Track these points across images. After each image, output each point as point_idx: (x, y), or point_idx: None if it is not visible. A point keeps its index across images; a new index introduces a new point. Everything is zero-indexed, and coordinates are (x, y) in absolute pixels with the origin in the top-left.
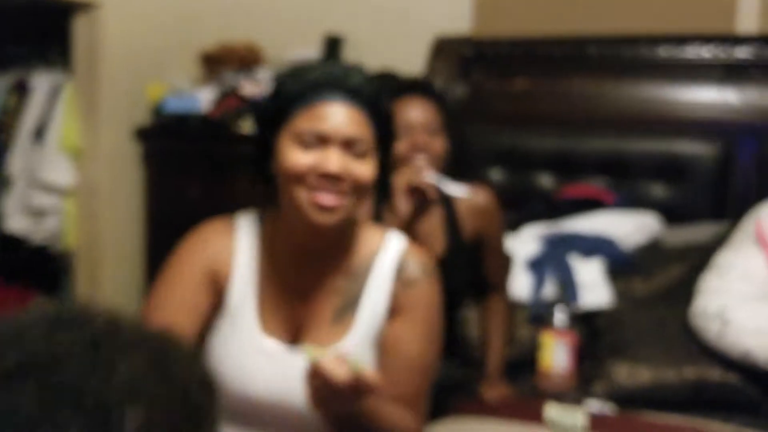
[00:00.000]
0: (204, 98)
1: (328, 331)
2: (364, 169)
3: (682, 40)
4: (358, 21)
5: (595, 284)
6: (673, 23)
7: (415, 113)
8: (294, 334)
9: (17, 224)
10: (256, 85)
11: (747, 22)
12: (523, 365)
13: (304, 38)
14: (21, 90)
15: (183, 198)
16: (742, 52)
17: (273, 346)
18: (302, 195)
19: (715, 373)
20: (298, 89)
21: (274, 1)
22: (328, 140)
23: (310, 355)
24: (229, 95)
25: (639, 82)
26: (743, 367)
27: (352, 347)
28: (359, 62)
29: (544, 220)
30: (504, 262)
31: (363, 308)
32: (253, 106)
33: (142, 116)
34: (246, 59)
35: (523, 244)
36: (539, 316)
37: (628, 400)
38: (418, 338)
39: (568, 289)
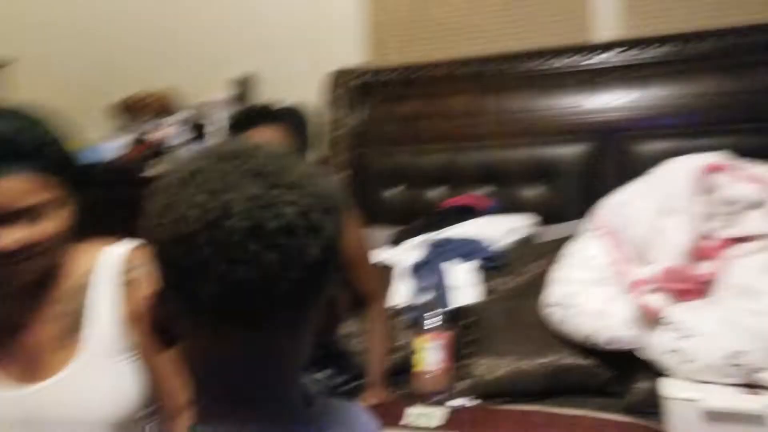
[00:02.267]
0: (114, 147)
1: (56, 359)
2: (47, 226)
3: (546, 53)
4: (267, 60)
5: (466, 284)
6: (537, 40)
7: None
8: (32, 370)
9: None
10: (167, 130)
11: (604, 31)
12: (405, 371)
13: (221, 81)
14: None
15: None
16: (601, 59)
17: (8, 393)
18: None
19: (567, 360)
20: None
21: (190, 46)
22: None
23: None
24: (140, 142)
25: (512, 95)
26: (591, 351)
27: (84, 365)
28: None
29: (429, 231)
30: (374, 274)
31: (89, 324)
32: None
33: None
34: (163, 106)
35: (407, 253)
36: (415, 320)
37: (491, 393)
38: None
39: (439, 291)
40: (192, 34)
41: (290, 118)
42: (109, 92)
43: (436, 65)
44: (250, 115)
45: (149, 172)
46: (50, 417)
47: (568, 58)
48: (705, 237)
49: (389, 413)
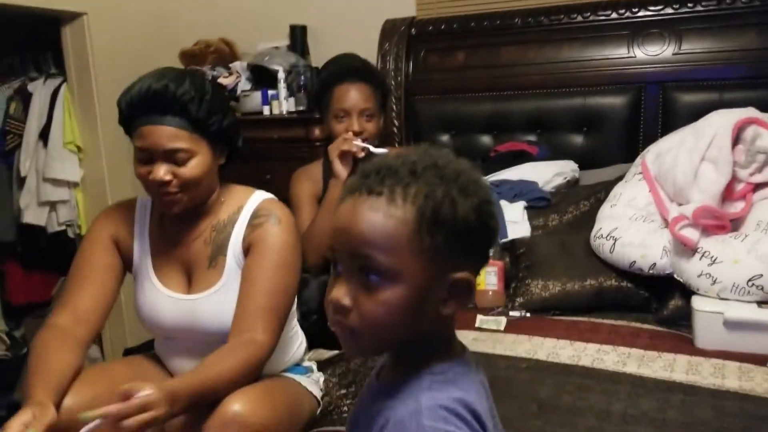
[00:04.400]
0: None
1: (207, 275)
2: (188, 170)
3: (591, 6)
4: (319, 12)
5: (518, 221)
6: None
7: (351, 100)
8: (186, 281)
9: (34, 217)
10: (233, 76)
11: None
12: None
13: (271, 31)
14: (23, 96)
15: None
16: (644, 13)
17: (172, 294)
18: (151, 195)
19: (611, 282)
20: (128, 115)
21: (243, 0)
22: (152, 155)
23: (83, 416)
24: None
25: (558, 46)
26: (632, 276)
27: (225, 286)
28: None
29: (485, 174)
30: None
31: (229, 252)
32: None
33: None
34: (222, 54)
35: None
36: None
37: (543, 308)
38: (263, 266)
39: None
40: None
41: (377, 80)
42: (171, 41)
43: (486, 17)
44: (341, 71)
45: None
46: (201, 324)
47: (612, 11)
48: (737, 181)
49: (463, 320)
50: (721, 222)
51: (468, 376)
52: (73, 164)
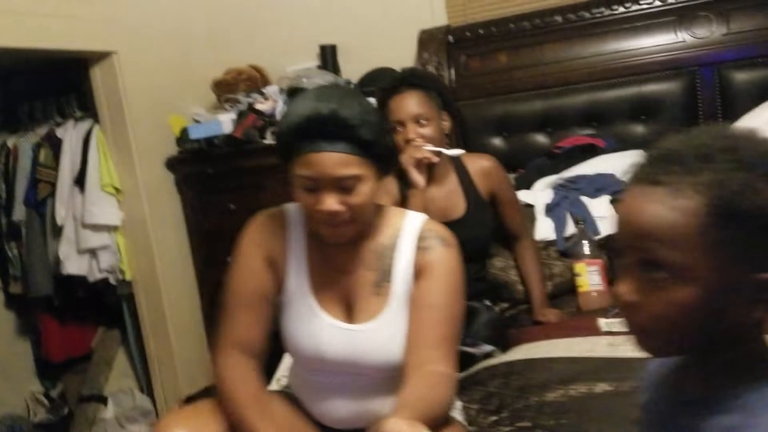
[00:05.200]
0: (224, 121)
1: (371, 302)
2: (357, 198)
3: None
4: (347, 30)
5: (607, 216)
6: None
7: (404, 110)
8: (347, 309)
9: (75, 267)
10: (269, 101)
11: None
12: (561, 293)
13: (299, 53)
14: (51, 143)
15: (221, 212)
16: None
17: (336, 323)
18: (315, 225)
19: None
20: (290, 141)
21: (269, 23)
22: (319, 183)
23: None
24: (247, 114)
25: (603, 38)
26: None
27: (392, 314)
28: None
29: (549, 172)
30: (521, 212)
31: (395, 278)
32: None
33: (169, 147)
34: (254, 80)
35: (539, 194)
36: (568, 250)
37: None
38: (439, 291)
39: (588, 224)
40: (274, 12)
41: (426, 83)
42: (202, 72)
43: (526, 17)
44: (396, 81)
45: (268, 140)
46: (367, 356)
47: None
48: None
49: (583, 326)
50: None
51: None
52: (112, 207)
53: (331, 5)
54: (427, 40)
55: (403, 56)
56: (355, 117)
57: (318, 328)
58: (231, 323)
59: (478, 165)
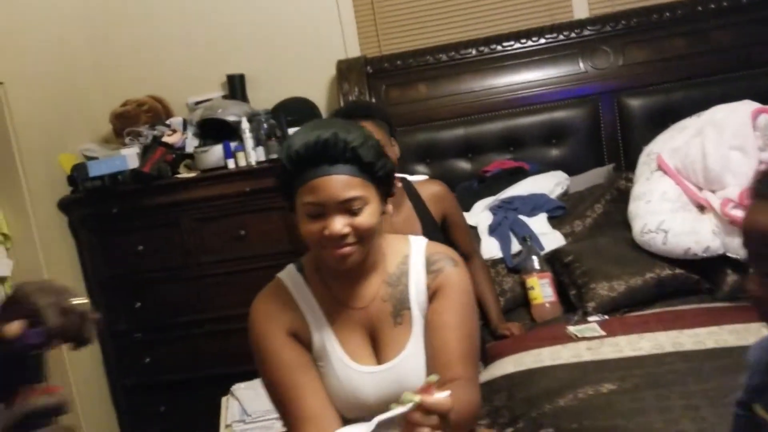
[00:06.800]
0: (129, 155)
1: (395, 334)
2: (363, 219)
3: (536, 32)
4: (256, 60)
5: (547, 232)
6: (532, 21)
7: None
8: (373, 347)
9: None
10: (177, 133)
11: (580, 10)
12: (514, 308)
13: (204, 82)
14: None
15: (127, 254)
16: (586, 32)
17: (371, 370)
18: (323, 252)
19: (667, 272)
20: (294, 172)
21: (167, 52)
22: (326, 208)
23: (407, 398)
24: (155, 148)
25: (516, 69)
26: (682, 262)
27: (417, 341)
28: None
29: (480, 195)
30: (470, 234)
31: (412, 304)
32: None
33: (61, 187)
34: (156, 111)
35: (480, 216)
36: (517, 266)
37: (615, 307)
38: (456, 311)
39: (533, 240)
40: (173, 40)
41: (380, 113)
42: (96, 106)
43: (438, 50)
44: (348, 112)
45: (182, 174)
46: (404, 389)
47: (558, 33)
48: (759, 162)
49: (552, 335)
50: None
51: None
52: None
53: (237, 34)
54: (347, 70)
55: (317, 86)
56: (357, 139)
57: (356, 381)
58: (293, 406)
59: (430, 190)
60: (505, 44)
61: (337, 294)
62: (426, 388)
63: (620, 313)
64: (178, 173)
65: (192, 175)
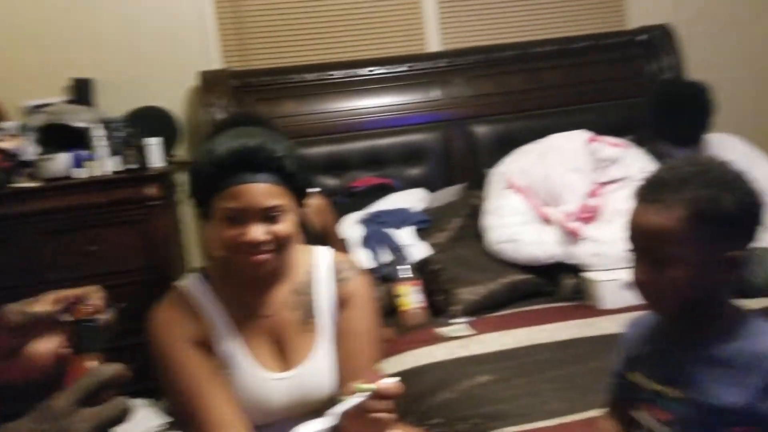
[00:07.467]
0: None
1: (301, 340)
2: (283, 227)
3: (389, 60)
4: (108, 64)
5: (414, 243)
6: (391, 49)
7: None
8: (280, 354)
9: None
10: (15, 139)
11: (433, 43)
12: (383, 315)
13: (45, 85)
14: None
15: None
16: (440, 63)
17: (278, 376)
18: (238, 258)
19: (518, 276)
20: (213, 176)
21: (4, 50)
22: (246, 214)
23: (362, 388)
24: None
25: (377, 93)
26: (530, 268)
27: (323, 350)
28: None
29: (350, 209)
30: (345, 246)
31: (319, 312)
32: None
33: None
34: None
35: (351, 228)
36: (386, 275)
37: (478, 309)
38: (364, 318)
39: (399, 252)
40: (9, 41)
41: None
42: None
43: (302, 69)
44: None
45: (20, 183)
46: (313, 395)
47: (416, 62)
48: (593, 182)
49: (423, 338)
50: (591, 214)
51: None
52: None
53: (86, 36)
54: (211, 81)
55: (175, 96)
56: (282, 149)
57: (261, 386)
58: (203, 415)
59: (312, 202)
60: (368, 69)
61: (245, 302)
62: (373, 378)
63: (482, 314)
64: (12, 183)
65: (34, 184)
